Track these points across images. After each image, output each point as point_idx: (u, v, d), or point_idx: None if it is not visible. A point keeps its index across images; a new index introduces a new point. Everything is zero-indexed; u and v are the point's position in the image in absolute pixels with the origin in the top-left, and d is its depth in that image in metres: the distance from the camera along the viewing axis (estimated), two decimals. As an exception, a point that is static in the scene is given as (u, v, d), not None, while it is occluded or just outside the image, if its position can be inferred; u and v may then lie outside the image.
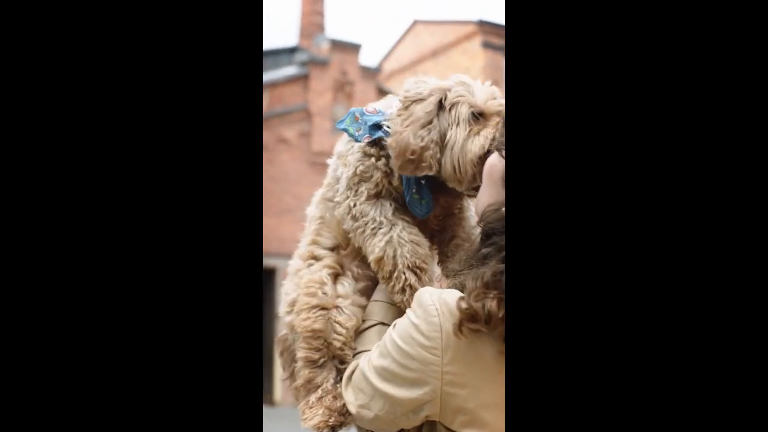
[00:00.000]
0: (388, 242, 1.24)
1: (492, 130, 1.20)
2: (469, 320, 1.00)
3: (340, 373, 1.27)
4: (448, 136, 1.20)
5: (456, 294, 1.06)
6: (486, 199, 1.13)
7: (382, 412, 1.12)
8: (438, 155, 1.20)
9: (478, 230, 1.33)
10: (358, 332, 1.29)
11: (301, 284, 1.31)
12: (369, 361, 1.15)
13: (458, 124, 1.20)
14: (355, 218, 1.27)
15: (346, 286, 1.31)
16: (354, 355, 1.27)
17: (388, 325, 1.25)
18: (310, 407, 1.25)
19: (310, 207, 1.43)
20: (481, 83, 1.26)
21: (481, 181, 1.19)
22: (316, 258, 1.35)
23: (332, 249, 1.36)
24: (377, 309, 1.29)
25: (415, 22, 17.77)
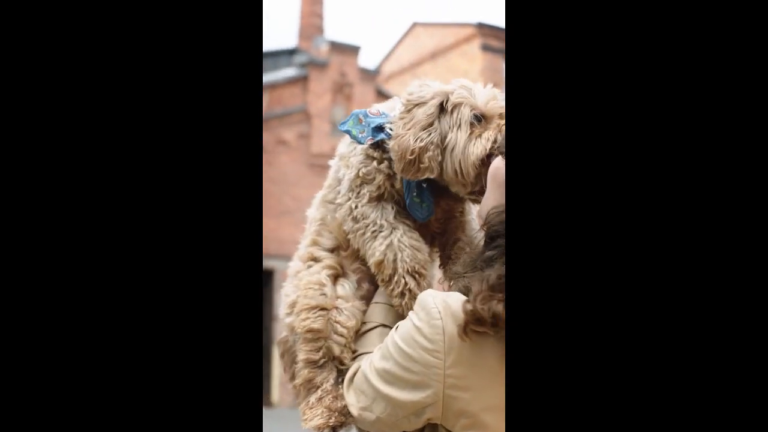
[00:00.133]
0: (388, 246, 1.24)
1: (493, 133, 1.20)
2: (475, 323, 1.00)
3: (340, 373, 1.27)
4: (448, 139, 1.20)
5: (459, 297, 1.06)
6: (491, 202, 1.12)
7: (383, 414, 1.11)
8: (438, 157, 1.20)
9: (480, 234, 1.34)
10: (359, 334, 1.29)
11: (301, 285, 1.31)
12: (371, 364, 1.15)
13: (459, 126, 1.20)
14: (356, 220, 1.27)
15: (346, 287, 1.31)
16: (355, 357, 1.27)
17: (389, 327, 1.25)
18: (311, 408, 1.25)
19: (310, 209, 1.44)
20: (482, 86, 1.26)
21: (484, 184, 1.19)
22: (316, 259, 1.35)
23: (332, 250, 1.36)
24: (378, 311, 1.29)
25: (415, 25, 17.80)
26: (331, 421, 1.22)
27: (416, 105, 1.23)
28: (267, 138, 12.80)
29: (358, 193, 1.27)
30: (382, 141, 1.26)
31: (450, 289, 1.16)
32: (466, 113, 1.20)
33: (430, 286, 1.27)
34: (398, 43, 18.25)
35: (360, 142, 1.27)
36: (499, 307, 0.99)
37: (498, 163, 1.14)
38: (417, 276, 1.24)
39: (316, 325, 1.25)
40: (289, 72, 14.26)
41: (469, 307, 1.01)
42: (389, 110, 1.29)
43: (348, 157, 1.32)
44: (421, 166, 1.19)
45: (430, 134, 1.20)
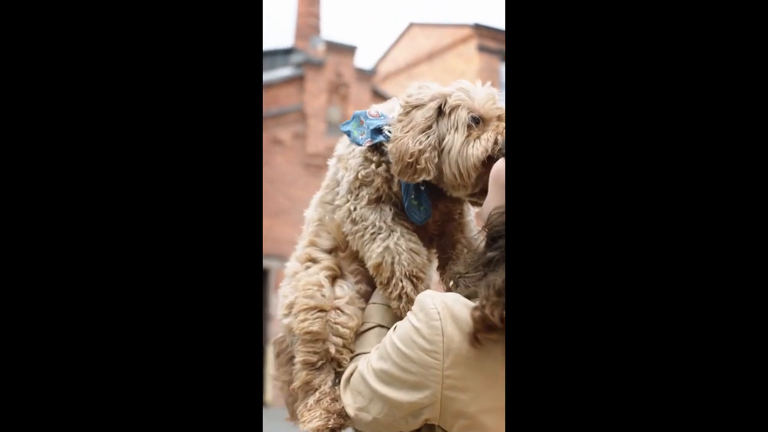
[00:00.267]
0: (386, 249, 1.24)
1: (492, 135, 1.20)
2: (485, 330, 1.00)
3: (338, 375, 1.27)
4: (445, 141, 1.20)
5: (459, 298, 1.07)
6: (493, 204, 1.12)
7: (380, 415, 1.11)
8: (436, 159, 1.20)
9: (480, 235, 1.34)
10: (357, 334, 1.29)
11: (299, 286, 1.31)
12: (368, 364, 1.15)
13: (456, 128, 1.20)
14: (354, 222, 1.27)
15: (344, 288, 1.31)
16: (352, 358, 1.27)
17: (387, 328, 1.25)
18: (309, 410, 1.25)
19: (308, 210, 1.43)
20: (482, 85, 1.26)
21: (485, 186, 1.19)
22: (314, 260, 1.35)
23: (330, 251, 1.36)
24: (375, 311, 1.29)
25: (411, 25, 17.80)
26: (329, 423, 1.22)
27: (415, 107, 1.23)
28: (263, 137, 12.75)
29: (357, 195, 1.27)
30: (381, 143, 1.26)
31: (450, 289, 1.16)
32: (463, 115, 1.20)
33: (428, 289, 1.27)
34: (395, 44, 18.25)
35: (359, 144, 1.27)
36: None
37: (500, 165, 1.14)
38: (415, 280, 1.24)
39: (314, 328, 1.25)
40: (285, 71, 14.24)
41: (478, 314, 1.01)
42: (388, 112, 1.29)
43: (346, 158, 1.32)
44: (418, 167, 1.19)
45: (429, 137, 1.20)
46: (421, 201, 1.26)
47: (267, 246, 11.46)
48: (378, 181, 1.26)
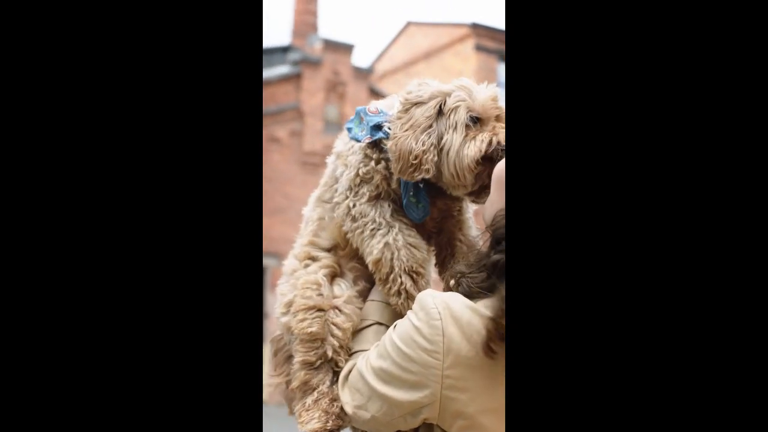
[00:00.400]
0: (386, 244, 1.23)
1: (488, 135, 1.19)
2: (499, 339, 0.99)
3: (336, 375, 1.26)
4: (444, 140, 1.20)
5: (460, 298, 1.06)
6: (497, 205, 1.12)
7: (379, 413, 1.11)
8: (435, 158, 1.20)
9: (477, 233, 1.33)
10: (355, 332, 1.28)
11: (298, 285, 1.30)
12: (367, 362, 1.14)
13: (455, 128, 1.20)
14: (354, 219, 1.27)
15: (343, 287, 1.31)
16: (350, 355, 1.26)
17: (385, 325, 1.25)
18: (307, 410, 1.24)
19: (306, 207, 1.43)
20: (485, 85, 1.25)
21: (484, 185, 1.19)
22: (313, 258, 1.34)
23: (329, 250, 1.35)
24: (374, 309, 1.28)
25: (409, 24, 17.80)
26: (328, 424, 1.21)
27: (414, 104, 1.22)
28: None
29: (357, 192, 1.27)
30: (380, 140, 1.26)
31: (450, 288, 1.16)
32: (462, 115, 1.20)
33: (428, 284, 1.27)
34: (392, 42, 18.25)
35: (358, 140, 1.26)
36: None
37: (502, 166, 1.14)
38: (414, 275, 1.23)
39: (314, 329, 1.25)
40: (282, 69, 14.22)
41: (492, 325, 1.00)
42: (388, 108, 1.29)
43: (346, 155, 1.31)
44: (422, 167, 1.19)
45: (430, 137, 1.19)
46: (419, 199, 1.26)
47: (264, 244, 11.40)
48: (378, 178, 1.26)
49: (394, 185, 1.27)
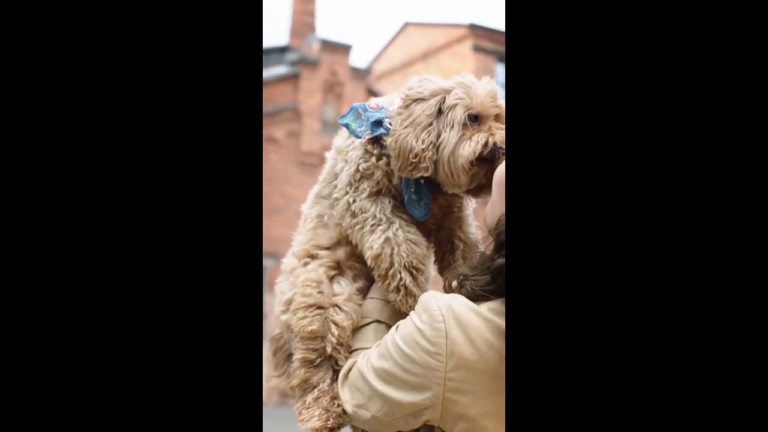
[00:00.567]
0: (386, 240, 1.22)
1: (484, 136, 1.18)
2: None
3: (336, 373, 1.25)
4: (441, 138, 1.19)
5: (463, 300, 1.05)
6: (499, 208, 1.10)
7: (380, 413, 1.10)
8: (435, 157, 1.19)
9: (477, 230, 1.33)
10: (354, 330, 1.27)
11: (298, 283, 1.29)
12: (368, 361, 1.13)
13: (452, 127, 1.19)
14: (354, 215, 1.26)
15: (343, 284, 1.30)
16: (350, 353, 1.25)
17: (385, 323, 1.24)
18: (307, 408, 1.23)
19: (305, 204, 1.42)
20: (487, 80, 1.24)
21: (482, 184, 1.19)
22: (313, 256, 1.33)
23: (329, 247, 1.34)
24: (373, 306, 1.28)
25: (406, 24, 17.81)
26: (329, 423, 1.20)
27: (415, 101, 1.21)
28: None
29: (357, 187, 1.26)
30: (380, 136, 1.25)
31: (453, 290, 1.15)
32: (459, 114, 1.19)
33: (427, 281, 1.26)
34: (390, 43, 18.26)
35: (358, 136, 1.26)
36: None
37: (504, 168, 1.13)
38: (414, 271, 1.22)
39: (314, 327, 1.24)
40: (280, 70, 14.21)
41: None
42: (388, 104, 1.28)
43: (346, 151, 1.30)
44: (421, 165, 1.18)
45: (430, 134, 1.19)
46: (420, 196, 1.25)
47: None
48: (378, 174, 1.25)
49: (395, 181, 1.26)
